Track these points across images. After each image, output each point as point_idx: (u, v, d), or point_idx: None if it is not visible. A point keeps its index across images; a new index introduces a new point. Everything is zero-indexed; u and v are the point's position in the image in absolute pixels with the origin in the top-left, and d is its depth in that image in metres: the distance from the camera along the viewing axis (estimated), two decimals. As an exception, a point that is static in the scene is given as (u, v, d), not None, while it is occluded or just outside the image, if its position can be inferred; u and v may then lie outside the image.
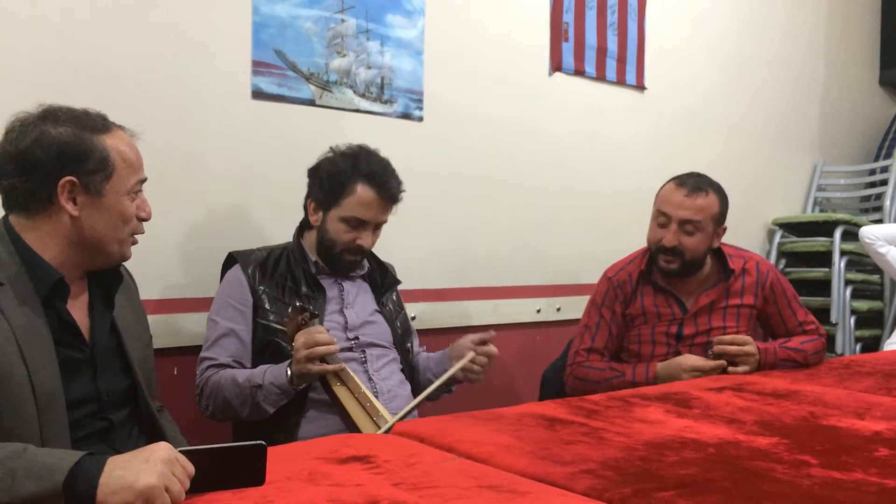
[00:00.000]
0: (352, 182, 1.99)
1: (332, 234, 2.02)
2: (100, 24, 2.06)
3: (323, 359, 1.80)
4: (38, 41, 1.98)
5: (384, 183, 2.01)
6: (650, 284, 2.32)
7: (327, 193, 2.01)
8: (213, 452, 1.12)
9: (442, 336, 2.74)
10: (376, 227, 2.05)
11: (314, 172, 2.07)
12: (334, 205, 2.00)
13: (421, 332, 2.40)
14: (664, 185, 2.31)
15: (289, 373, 1.82)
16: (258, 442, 1.14)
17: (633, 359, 2.32)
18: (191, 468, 1.07)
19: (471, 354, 1.95)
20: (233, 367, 1.93)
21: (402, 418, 1.74)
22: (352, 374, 1.87)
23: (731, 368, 2.18)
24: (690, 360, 2.17)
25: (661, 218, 2.25)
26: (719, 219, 2.28)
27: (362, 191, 1.99)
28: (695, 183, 2.25)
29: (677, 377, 2.14)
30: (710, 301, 2.29)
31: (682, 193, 2.23)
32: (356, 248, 2.02)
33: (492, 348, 1.98)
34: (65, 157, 1.35)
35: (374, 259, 2.20)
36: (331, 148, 2.07)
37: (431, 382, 1.96)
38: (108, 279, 1.49)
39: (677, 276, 2.28)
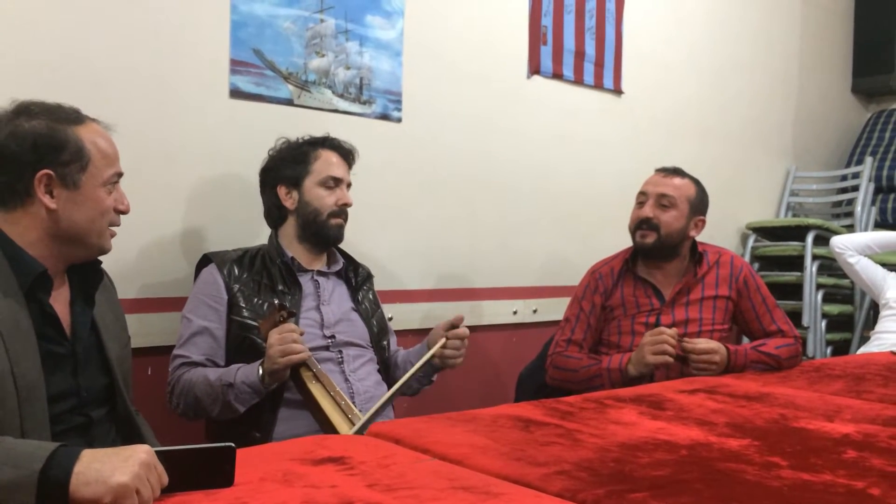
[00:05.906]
0: (314, 149, 2.11)
1: (315, 201, 2.07)
2: (77, 22, 2.04)
3: None
4: (13, 38, 1.95)
5: (339, 144, 2.14)
6: (631, 276, 2.39)
7: (298, 165, 2.08)
8: (182, 453, 1.11)
9: (418, 337, 2.74)
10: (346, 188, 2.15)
11: (271, 164, 2.12)
12: (307, 174, 2.07)
13: (398, 333, 2.40)
14: None
15: (260, 371, 1.82)
16: (227, 444, 1.14)
17: (612, 350, 2.35)
18: (165, 478, 1.06)
19: (442, 340, 1.98)
20: (205, 366, 1.92)
21: (377, 411, 1.75)
22: (325, 373, 1.87)
23: (693, 367, 2.18)
24: (648, 334, 2.18)
25: (641, 197, 2.39)
26: (696, 206, 2.37)
27: (326, 153, 2.10)
28: (673, 168, 2.43)
29: (641, 355, 2.15)
30: (686, 290, 2.34)
31: (660, 175, 2.41)
32: (341, 209, 2.09)
33: (462, 330, 2.00)
34: (40, 149, 1.36)
35: (347, 257, 2.20)
36: (270, 148, 2.14)
37: None
38: (89, 276, 1.48)
39: (654, 256, 2.34)
